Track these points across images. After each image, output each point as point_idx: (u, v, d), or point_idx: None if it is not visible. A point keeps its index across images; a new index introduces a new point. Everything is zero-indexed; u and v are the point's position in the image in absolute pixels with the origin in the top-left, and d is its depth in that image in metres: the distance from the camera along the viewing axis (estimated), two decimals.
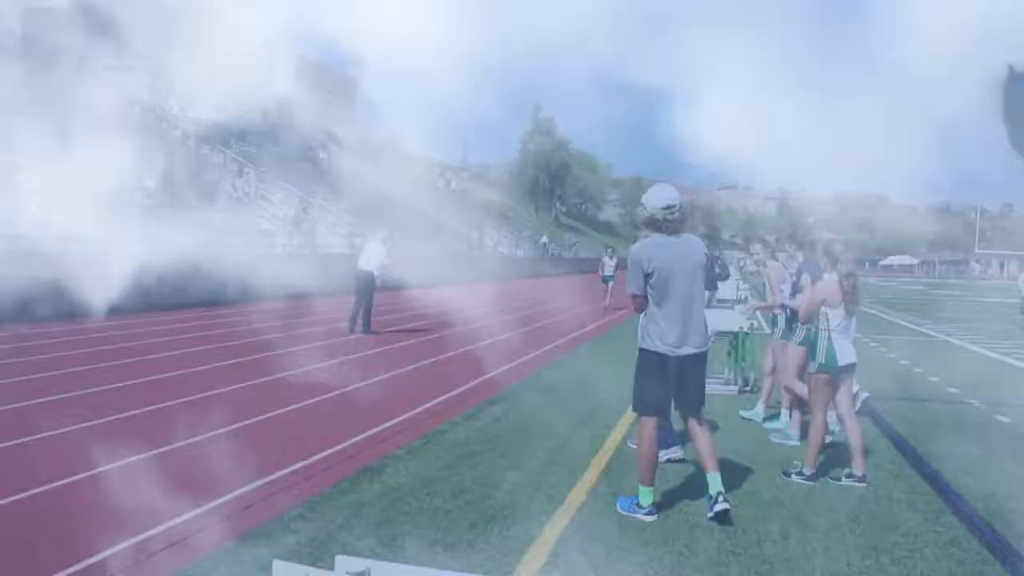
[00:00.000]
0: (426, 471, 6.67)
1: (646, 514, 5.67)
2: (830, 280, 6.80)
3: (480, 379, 11.13)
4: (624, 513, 5.73)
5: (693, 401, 5.90)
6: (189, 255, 14.04)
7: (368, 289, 15.98)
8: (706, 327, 5.94)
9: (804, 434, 7.71)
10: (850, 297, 6.71)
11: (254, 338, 14.07)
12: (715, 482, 5.77)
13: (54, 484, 5.98)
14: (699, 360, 5.84)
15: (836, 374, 6.72)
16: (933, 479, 6.84)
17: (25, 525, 5.24)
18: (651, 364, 5.78)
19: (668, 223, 5.76)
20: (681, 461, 7.05)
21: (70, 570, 4.50)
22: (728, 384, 10.96)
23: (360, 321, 16.00)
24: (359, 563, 2.35)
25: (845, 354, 6.70)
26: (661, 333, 5.70)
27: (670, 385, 5.74)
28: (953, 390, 11.57)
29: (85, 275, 10.15)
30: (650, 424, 5.79)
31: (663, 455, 7.13)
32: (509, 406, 9.51)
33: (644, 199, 5.91)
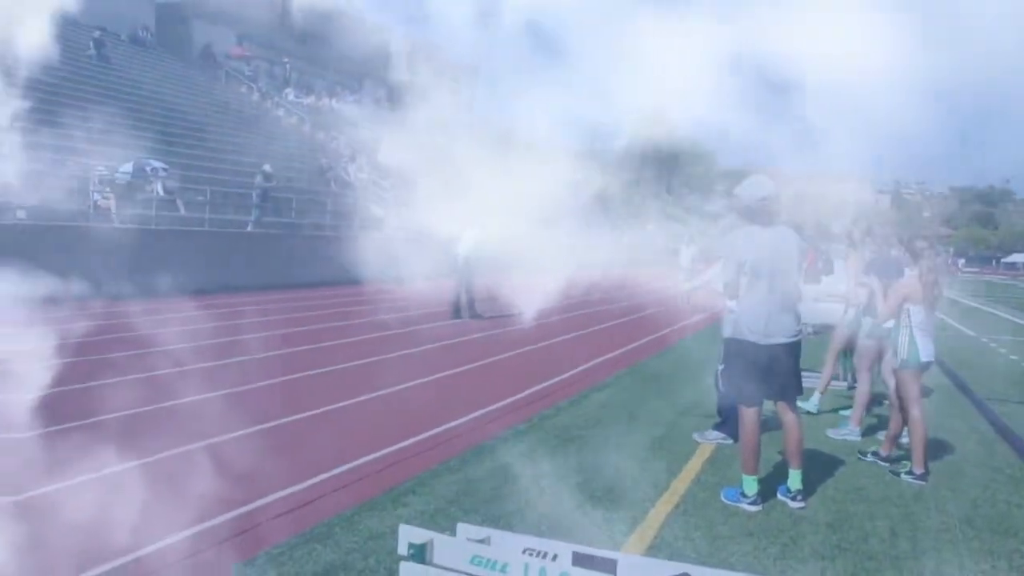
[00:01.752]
0: (532, 453, 6.81)
1: (750, 504, 5.68)
2: (911, 276, 6.80)
3: (585, 366, 11.23)
4: (729, 503, 5.75)
5: (786, 391, 5.89)
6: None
7: (466, 274, 16.20)
8: (798, 317, 5.92)
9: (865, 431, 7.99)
10: (931, 293, 6.67)
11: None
12: (796, 479, 5.84)
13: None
14: (790, 350, 5.82)
15: (917, 370, 6.70)
16: None
17: None
18: (742, 353, 5.81)
19: (763, 214, 5.78)
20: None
21: None
22: (836, 379, 10.73)
23: (466, 306, 16.23)
24: (480, 531, 2.50)
25: (927, 350, 6.67)
26: (751, 322, 5.72)
27: (761, 374, 5.74)
28: None
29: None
30: (750, 413, 5.81)
31: (711, 437, 7.43)
32: (614, 393, 9.58)
33: (738, 190, 5.94)
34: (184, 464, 6.02)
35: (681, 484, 6.19)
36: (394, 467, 6.27)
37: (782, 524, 5.44)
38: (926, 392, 8.87)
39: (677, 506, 5.70)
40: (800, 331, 5.91)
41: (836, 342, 9.13)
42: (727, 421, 7.48)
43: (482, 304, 16.39)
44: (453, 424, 7.61)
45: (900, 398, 6.82)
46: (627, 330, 16.06)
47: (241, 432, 6.86)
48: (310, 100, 33.99)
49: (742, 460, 5.82)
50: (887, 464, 6.85)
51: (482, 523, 5.04)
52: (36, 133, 15.20)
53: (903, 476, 6.53)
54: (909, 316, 6.66)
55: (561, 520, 5.27)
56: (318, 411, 7.89)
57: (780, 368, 5.75)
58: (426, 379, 9.76)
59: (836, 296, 9.86)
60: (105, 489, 5.30)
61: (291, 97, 34.28)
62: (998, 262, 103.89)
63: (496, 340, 13.85)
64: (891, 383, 7.12)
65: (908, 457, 6.73)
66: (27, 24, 5.50)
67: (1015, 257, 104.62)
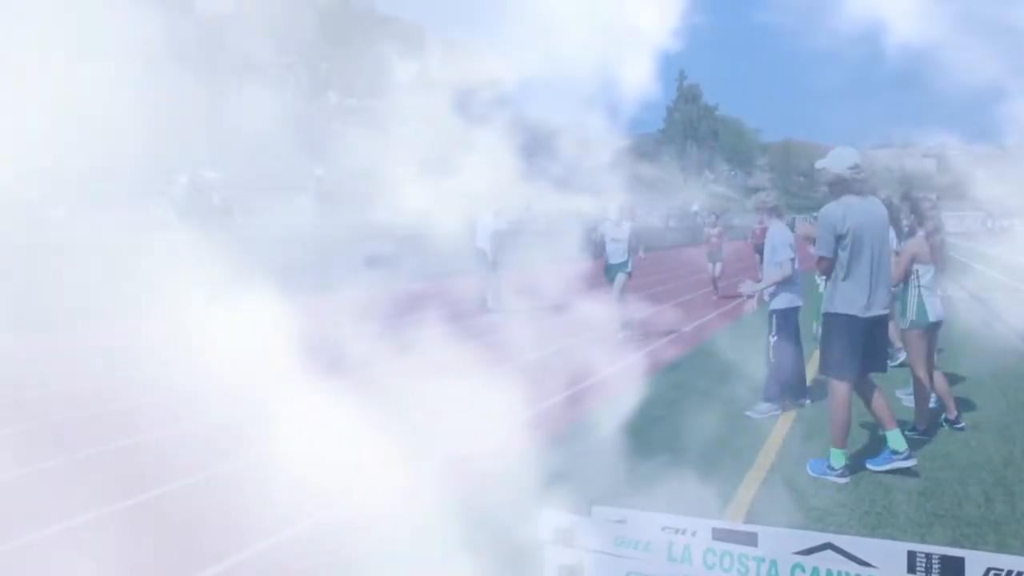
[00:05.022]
0: (612, 437, 6.88)
1: (838, 476, 5.70)
2: (919, 238, 6.88)
3: (652, 348, 11.27)
4: (815, 475, 5.78)
5: (879, 361, 5.92)
6: None
7: (484, 265, 15.68)
8: (889, 287, 5.96)
9: None
10: (940, 253, 6.85)
11: None
12: (898, 439, 5.80)
13: None
14: (885, 321, 5.88)
15: (926, 329, 6.81)
16: None
17: None
18: (841, 327, 5.77)
19: (856, 183, 5.75)
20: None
21: None
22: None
23: (488, 296, 15.55)
24: (616, 512, 2.58)
25: (935, 310, 6.80)
26: (854, 295, 5.68)
27: (860, 347, 5.72)
28: None
29: None
30: (843, 387, 5.80)
31: (763, 410, 7.58)
32: (685, 373, 9.62)
33: (826, 162, 5.89)
34: None
35: (766, 459, 6.23)
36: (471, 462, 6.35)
37: (873, 495, 5.45)
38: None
39: (765, 481, 5.75)
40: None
41: None
42: (781, 393, 7.68)
43: None
44: (528, 416, 7.69)
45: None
46: None
47: None
48: None
49: (831, 433, 5.85)
50: (959, 428, 6.91)
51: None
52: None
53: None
54: (918, 277, 6.75)
55: (653, 502, 5.32)
56: None
57: (878, 340, 5.78)
58: None
59: None
60: None
61: None
62: None
63: None
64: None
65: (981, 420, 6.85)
66: (631, 62, 5.66)
67: None
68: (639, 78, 5.57)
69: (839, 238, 5.68)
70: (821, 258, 5.83)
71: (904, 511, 5.16)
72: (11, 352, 9.04)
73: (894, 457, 5.75)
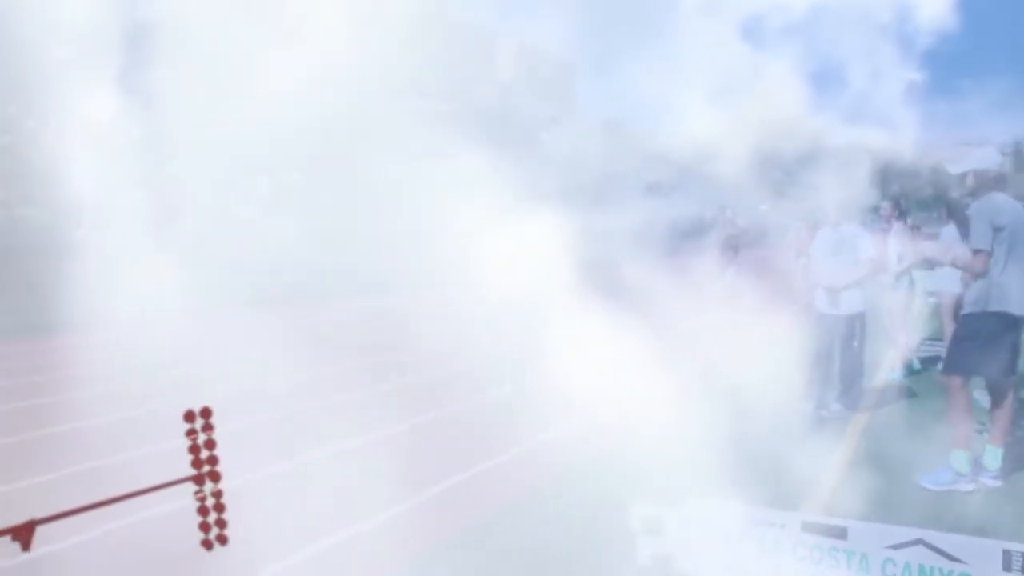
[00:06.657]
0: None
1: (969, 481, 5.56)
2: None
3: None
4: (938, 488, 5.58)
5: (1017, 362, 5.68)
6: None
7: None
8: None
9: None
10: None
11: None
12: (993, 456, 5.65)
13: None
14: None
15: None
16: None
17: None
18: (988, 325, 5.49)
19: (1003, 181, 5.59)
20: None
21: None
22: None
23: None
24: (708, 504, 2.67)
25: None
26: (1010, 292, 5.43)
27: (1011, 346, 5.52)
28: None
29: None
30: (967, 387, 5.66)
31: (835, 410, 7.62)
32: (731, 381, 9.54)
33: (975, 163, 5.68)
34: None
35: (840, 458, 6.23)
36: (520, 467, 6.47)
37: (949, 499, 5.41)
38: None
39: (842, 479, 5.76)
40: None
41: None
42: (847, 393, 7.69)
43: None
44: None
45: None
46: None
47: None
48: None
49: (958, 435, 5.63)
50: None
51: None
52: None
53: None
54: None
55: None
56: None
57: (1019, 340, 5.59)
58: None
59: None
60: None
61: None
62: None
63: None
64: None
65: None
66: None
67: None
68: (934, 6, 5.31)
69: (996, 231, 5.42)
70: (978, 252, 5.48)
71: (976, 515, 5.11)
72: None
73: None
